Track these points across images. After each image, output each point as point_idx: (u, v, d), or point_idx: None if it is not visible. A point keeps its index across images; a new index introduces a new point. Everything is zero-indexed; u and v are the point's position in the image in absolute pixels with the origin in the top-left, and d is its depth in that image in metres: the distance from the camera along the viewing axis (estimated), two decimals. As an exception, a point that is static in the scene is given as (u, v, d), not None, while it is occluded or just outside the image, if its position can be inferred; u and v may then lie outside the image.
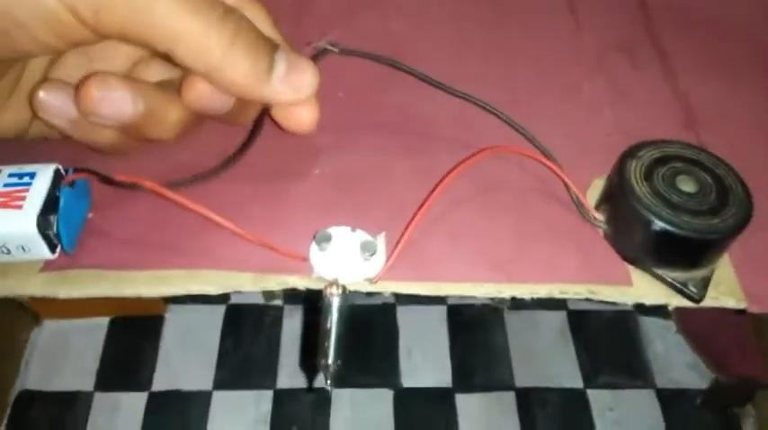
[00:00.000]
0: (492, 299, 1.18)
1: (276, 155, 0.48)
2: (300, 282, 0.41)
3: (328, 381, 0.39)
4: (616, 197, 0.43)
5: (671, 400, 1.09)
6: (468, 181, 0.47)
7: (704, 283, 0.43)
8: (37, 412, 1.02)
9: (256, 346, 1.12)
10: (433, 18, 0.63)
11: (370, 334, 1.14)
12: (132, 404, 1.02)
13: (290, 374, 1.08)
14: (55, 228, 0.38)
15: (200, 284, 0.40)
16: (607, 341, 1.16)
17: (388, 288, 0.42)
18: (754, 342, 1.02)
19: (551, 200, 0.47)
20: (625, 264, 0.44)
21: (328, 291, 0.39)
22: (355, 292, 0.41)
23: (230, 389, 1.06)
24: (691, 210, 0.41)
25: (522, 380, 1.10)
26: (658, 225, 0.41)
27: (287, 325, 1.16)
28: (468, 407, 1.06)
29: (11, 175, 0.39)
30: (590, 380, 1.11)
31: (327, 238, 0.40)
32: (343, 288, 0.40)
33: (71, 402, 1.02)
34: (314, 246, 0.40)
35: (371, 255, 0.40)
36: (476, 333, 1.15)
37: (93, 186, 0.43)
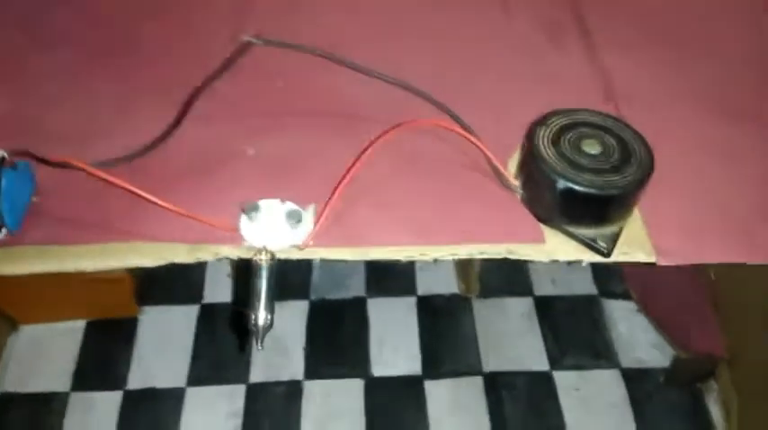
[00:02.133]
0: (460, 287, 1.20)
1: (211, 137, 0.51)
2: (232, 252, 0.44)
3: (259, 341, 0.42)
4: (527, 162, 0.47)
5: (635, 378, 1.11)
6: (393, 155, 0.50)
7: (612, 239, 0.46)
8: (15, 412, 1.04)
9: (229, 343, 1.15)
10: (365, 8, 0.66)
11: (341, 327, 1.17)
12: (107, 402, 1.03)
13: (262, 368, 1.11)
14: (-2, 208, 0.41)
15: (138, 257, 0.43)
16: (572, 324, 1.19)
17: (317, 254, 0.45)
18: (713, 320, 1.05)
19: (473, 170, 0.50)
20: (539, 224, 0.47)
21: (257, 257, 0.42)
22: (285, 260, 0.44)
23: (204, 384, 1.08)
24: (593, 169, 0.44)
25: (489, 365, 1.13)
26: (563, 184, 0.44)
27: (259, 321, 1.17)
28: (437, 392, 1.09)
29: (-47, 162, 0.42)
30: (556, 362, 1.14)
31: (255, 208, 0.43)
32: (272, 254, 0.43)
33: (48, 402, 1.03)
34: (243, 217, 0.43)
35: (297, 222, 0.43)
36: (445, 321, 1.18)
37: (37, 172, 0.45)
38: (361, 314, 1.20)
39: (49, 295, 1.05)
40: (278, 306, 1.09)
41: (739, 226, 0.48)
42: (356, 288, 1.23)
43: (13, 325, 1.12)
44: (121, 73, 0.56)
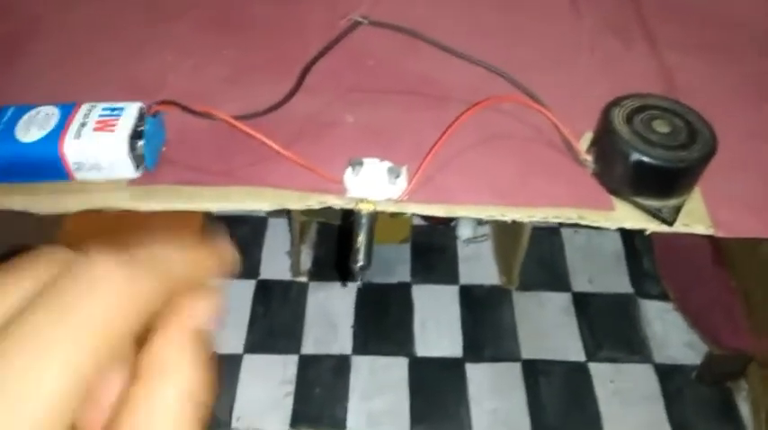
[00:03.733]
0: (501, 279, 1.25)
1: (316, 105, 0.57)
2: (336, 201, 0.49)
3: (359, 279, 0.48)
4: (602, 138, 0.52)
5: (668, 374, 1.16)
6: (476, 129, 0.55)
7: (676, 210, 0.51)
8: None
9: (283, 317, 1.21)
10: (449, 2, 0.71)
11: (387, 308, 1.23)
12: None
13: (313, 342, 1.17)
14: (140, 149, 0.47)
15: (256, 200, 0.49)
16: (608, 321, 1.23)
17: (409, 208, 0.50)
18: (745, 319, 1.09)
19: (547, 146, 0.55)
20: (609, 195, 0.52)
21: (359, 206, 0.48)
22: (382, 211, 0.50)
23: (259, 352, 1.15)
24: (664, 145, 0.49)
25: (528, 353, 1.18)
26: (636, 156, 0.49)
27: (311, 299, 1.25)
28: (477, 375, 1.14)
29: (104, 109, 0.48)
30: (592, 354, 1.19)
31: (360, 163, 0.49)
32: (372, 205, 0.48)
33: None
34: (348, 170, 0.49)
35: (396, 177, 0.49)
36: (485, 310, 1.24)
37: (166, 125, 0.51)
38: (405, 298, 1.26)
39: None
40: (327, 286, 1.15)
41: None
42: (402, 274, 1.29)
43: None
44: (234, 47, 0.62)
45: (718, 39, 0.70)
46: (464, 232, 1.42)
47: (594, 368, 1.17)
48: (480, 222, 1.47)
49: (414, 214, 0.57)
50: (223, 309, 0.29)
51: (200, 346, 0.29)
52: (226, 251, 0.30)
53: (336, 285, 1.26)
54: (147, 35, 0.64)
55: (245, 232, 1.35)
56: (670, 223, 0.51)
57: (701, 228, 0.52)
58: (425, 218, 1.43)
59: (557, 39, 0.69)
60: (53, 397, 0.23)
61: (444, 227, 1.43)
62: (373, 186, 0.49)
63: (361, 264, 0.47)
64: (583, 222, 0.52)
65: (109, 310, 0.24)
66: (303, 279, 1.29)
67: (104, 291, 0.24)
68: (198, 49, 0.63)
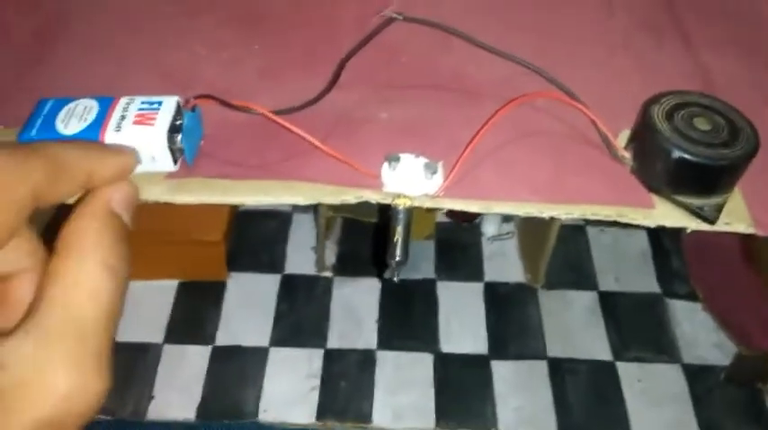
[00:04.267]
0: (526, 277, 1.24)
1: (350, 101, 0.57)
2: (373, 196, 0.49)
3: (395, 274, 0.47)
4: (642, 135, 0.51)
5: (696, 375, 1.14)
6: (511, 126, 0.55)
7: (718, 208, 0.50)
8: (113, 360, 1.12)
9: (308, 311, 1.22)
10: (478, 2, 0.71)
11: (412, 305, 1.23)
12: (198, 355, 1.12)
13: (338, 337, 1.18)
14: (179, 143, 0.47)
15: (292, 194, 0.49)
16: (636, 320, 1.22)
17: (446, 204, 0.50)
18: (774, 320, 1.08)
19: (584, 142, 0.55)
20: (649, 193, 0.51)
21: (396, 201, 0.48)
22: (418, 207, 0.50)
23: (285, 346, 1.15)
24: (705, 143, 0.48)
25: (554, 351, 1.17)
26: (677, 154, 0.48)
27: (336, 294, 1.25)
28: (503, 371, 1.14)
29: (143, 102, 0.48)
30: (619, 354, 1.18)
31: (396, 159, 0.48)
32: (408, 200, 0.48)
33: (143, 351, 1.13)
34: (385, 165, 0.49)
35: (433, 173, 0.48)
36: (510, 308, 1.23)
37: (204, 121, 0.52)
38: (430, 294, 1.26)
39: (149, 255, 1.13)
40: (352, 282, 1.15)
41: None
42: (426, 270, 1.29)
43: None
44: (265, 42, 0.63)
45: (755, 38, 0.69)
46: (489, 229, 1.41)
47: (622, 367, 1.16)
48: (505, 219, 1.46)
49: (438, 210, 0.56)
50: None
51: (117, 224, 0.30)
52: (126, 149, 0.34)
53: (361, 281, 1.27)
54: (178, 29, 0.64)
55: (270, 228, 1.36)
56: (712, 222, 0.50)
57: (742, 227, 0.51)
58: (450, 215, 1.43)
59: (590, 36, 0.68)
60: None
61: (469, 224, 1.42)
62: (410, 182, 0.49)
63: (398, 259, 0.47)
64: (622, 220, 0.51)
65: None
66: (328, 274, 1.30)
67: None
68: (229, 43, 0.63)
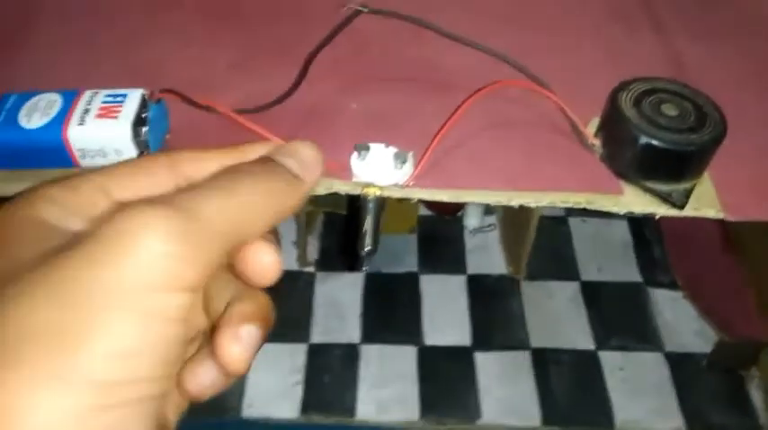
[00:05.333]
0: (508, 269, 1.25)
1: (318, 94, 0.56)
2: (343, 187, 0.49)
3: (364, 264, 0.47)
4: (610, 122, 0.51)
5: (678, 362, 1.15)
6: (482, 115, 0.55)
7: (686, 194, 0.50)
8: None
9: (291, 306, 1.22)
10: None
11: (395, 298, 1.23)
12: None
13: (322, 331, 1.18)
14: (144, 136, 0.47)
15: (261, 187, 0.48)
16: (618, 309, 1.23)
17: (416, 194, 0.50)
18: (756, 306, 1.08)
19: (554, 131, 0.55)
20: (618, 179, 0.51)
21: (365, 191, 0.48)
22: (388, 196, 0.49)
23: (268, 341, 1.13)
24: (672, 128, 0.49)
25: (537, 342, 1.18)
26: (644, 140, 0.48)
27: (319, 288, 1.25)
28: (487, 363, 1.14)
29: (107, 95, 0.48)
30: (601, 342, 1.18)
31: (366, 148, 0.48)
32: (378, 190, 0.48)
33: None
34: (354, 155, 0.48)
35: (403, 163, 0.48)
36: (493, 300, 1.24)
37: (170, 115, 0.51)
38: (413, 288, 1.26)
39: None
40: (335, 276, 1.15)
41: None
42: (409, 264, 1.29)
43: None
44: (234, 35, 0.62)
45: (727, 24, 0.69)
46: (471, 222, 1.41)
47: (604, 356, 1.17)
48: (487, 212, 1.46)
49: (421, 204, 0.56)
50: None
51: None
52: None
53: (344, 275, 1.27)
54: (147, 23, 0.64)
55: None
56: (680, 207, 0.50)
57: (712, 212, 0.51)
58: (432, 207, 1.43)
59: (561, 24, 0.68)
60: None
61: (451, 217, 1.42)
62: (379, 171, 0.49)
63: (368, 248, 0.47)
64: (591, 207, 0.51)
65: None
66: (310, 269, 1.29)
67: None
68: (198, 37, 0.62)
